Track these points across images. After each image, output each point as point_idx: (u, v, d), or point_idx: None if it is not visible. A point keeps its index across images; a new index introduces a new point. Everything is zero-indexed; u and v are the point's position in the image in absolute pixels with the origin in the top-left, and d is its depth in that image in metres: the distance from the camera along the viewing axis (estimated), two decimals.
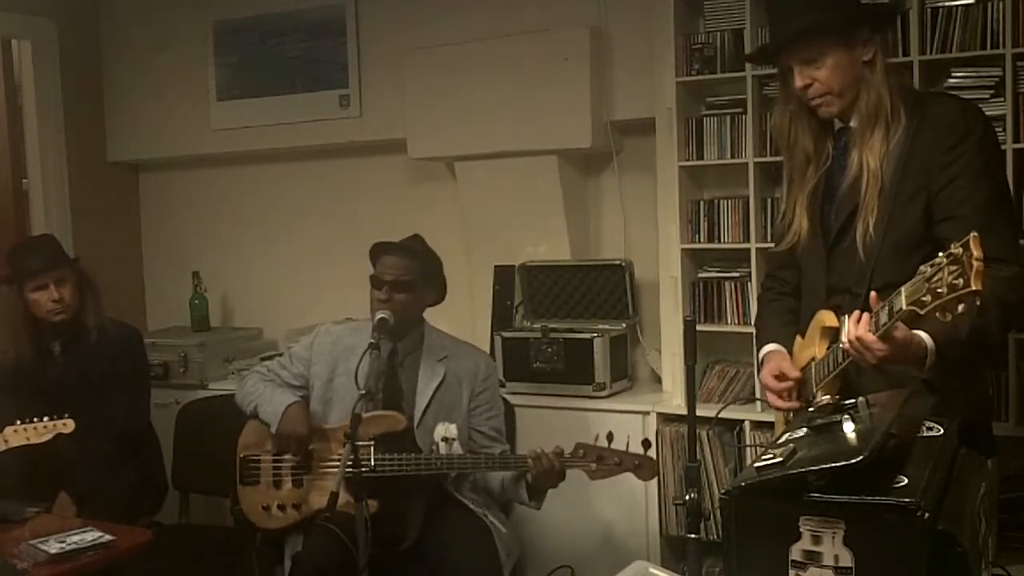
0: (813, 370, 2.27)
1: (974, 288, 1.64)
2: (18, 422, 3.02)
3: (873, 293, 1.99)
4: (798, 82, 2.25)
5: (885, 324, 1.92)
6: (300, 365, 3.28)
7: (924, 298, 1.74)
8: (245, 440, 3.23)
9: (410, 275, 3.14)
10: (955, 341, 2.02)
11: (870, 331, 1.97)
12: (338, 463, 3.09)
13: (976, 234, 1.65)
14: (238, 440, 3.24)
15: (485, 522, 3.11)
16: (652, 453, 2.95)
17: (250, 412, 3.23)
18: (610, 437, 2.93)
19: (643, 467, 2.94)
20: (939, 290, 1.70)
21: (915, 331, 1.99)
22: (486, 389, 3.26)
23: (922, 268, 1.76)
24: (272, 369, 3.32)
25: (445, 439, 3.09)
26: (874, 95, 2.22)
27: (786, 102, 2.37)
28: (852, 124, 2.29)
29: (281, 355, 3.49)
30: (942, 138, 2.17)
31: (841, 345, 2.05)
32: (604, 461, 2.93)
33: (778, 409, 2.42)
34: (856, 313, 2.01)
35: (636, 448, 2.96)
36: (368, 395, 2.71)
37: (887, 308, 1.91)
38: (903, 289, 1.83)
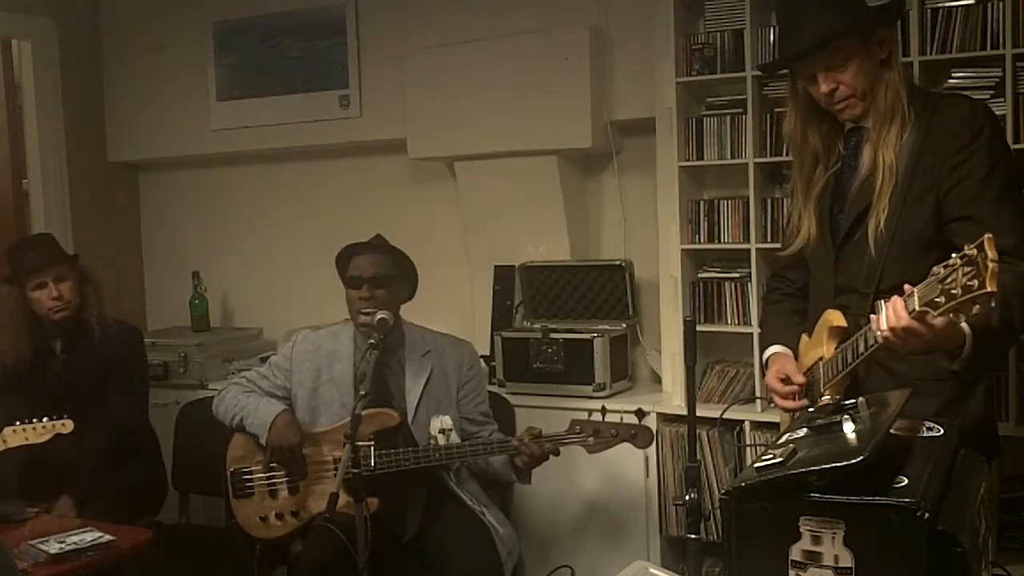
0: (821, 370, 2.26)
1: (989, 290, 1.63)
2: (17, 423, 3.03)
3: (907, 285, 1.95)
4: (823, 88, 2.23)
5: None
6: (281, 376, 3.26)
7: (938, 299, 1.73)
8: (233, 453, 3.19)
9: (386, 270, 3.16)
10: (988, 330, 1.98)
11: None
12: (332, 466, 3.11)
13: (991, 236, 1.64)
14: (226, 454, 3.20)
15: (483, 520, 3.12)
16: (647, 422, 3.01)
17: (235, 425, 3.19)
18: (603, 411, 2.97)
19: (639, 436, 2.98)
20: (953, 291, 1.69)
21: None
22: (472, 378, 3.29)
23: (935, 269, 1.75)
24: (252, 380, 3.29)
25: (442, 431, 3.11)
26: (892, 93, 2.21)
27: (796, 105, 2.36)
28: (865, 124, 2.29)
29: (267, 358, 3.48)
30: (952, 138, 2.16)
31: (880, 332, 1.96)
32: (601, 434, 2.98)
33: (785, 410, 2.42)
34: (896, 300, 1.93)
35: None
36: (366, 396, 2.71)
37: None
38: (916, 291, 1.82)
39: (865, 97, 2.24)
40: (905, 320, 1.89)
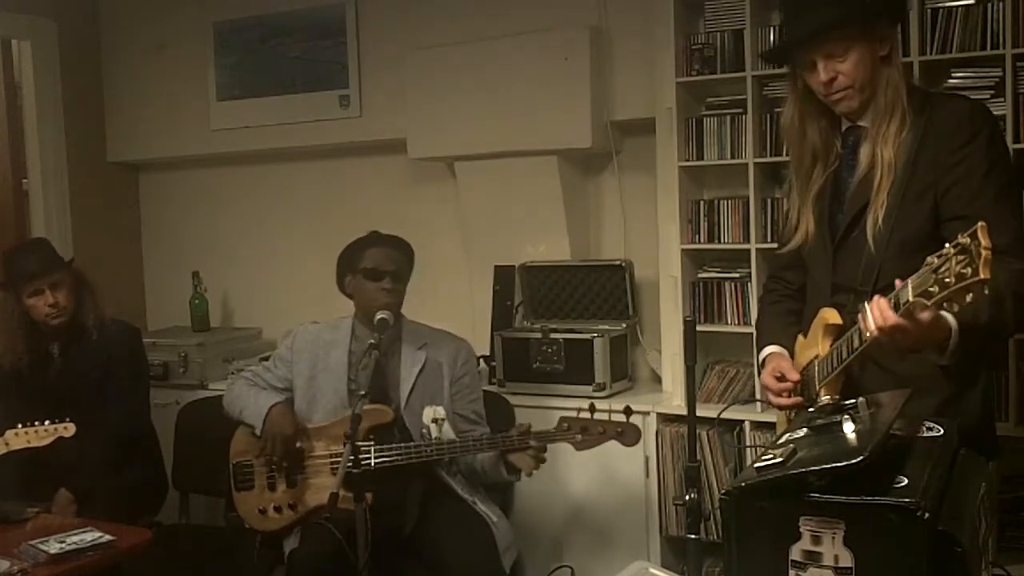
0: (816, 368, 2.26)
1: (983, 276, 1.62)
2: (19, 425, 3.04)
3: (897, 280, 1.96)
4: (823, 76, 2.23)
5: None
6: (283, 367, 3.34)
7: (931, 288, 1.73)
8: (236, 447, 3.26)
9: (401, 266, 3.24)
10: (976, 325, 1.98)
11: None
12: (327, 460, 3.15)
13: (984, 224, 1.63)
14: (230, 448, 3.26)
15: (476, 510, 3.15)
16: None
17: (237, 417, 3.27)
18: (592, 408, 2.98)
19: (626, 433, 2.99)
20: (947, 280, 1.68)
21: (941, 312, 1.91)
22: (466, 374, 3.32)
23: (929, 259, 1.75)
24: (258, 373, 3.38)
25: (435, 420, 3.14)
26: (892, 90, 2.22)
27: (795, 98, 2.36)
28: (862, 123, 2.29)
29: (266, 358, 3.52)
30: (950, 138, 2.17)
31: (868, 333, 1.98)
32: (588, 432, 2.98)
33: (780, 408, 2.42)
34: (879, 299, 1.95)
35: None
36: (366, 395, 2.72)
37: (894, 300, 1.89)
38: (910, 281, 1.81)
39: (863, 90, 2.24)
40: (892, 319, 1.90)
